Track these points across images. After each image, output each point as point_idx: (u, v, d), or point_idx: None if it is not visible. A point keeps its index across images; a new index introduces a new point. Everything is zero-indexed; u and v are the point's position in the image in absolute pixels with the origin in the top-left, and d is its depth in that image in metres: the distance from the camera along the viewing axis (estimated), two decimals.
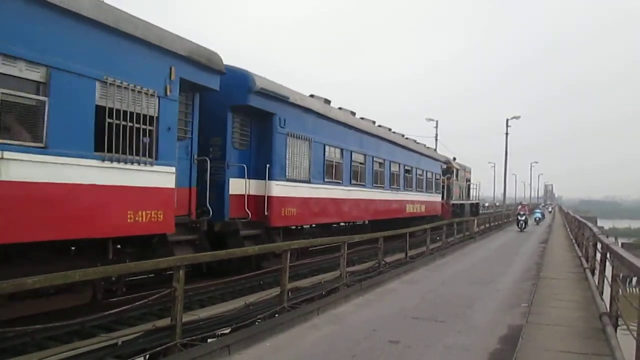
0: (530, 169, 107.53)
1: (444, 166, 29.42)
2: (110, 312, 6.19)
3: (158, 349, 6.18)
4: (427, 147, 27.47)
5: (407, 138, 23.09)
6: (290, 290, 8.91)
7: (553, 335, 7.47)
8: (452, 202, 30.34)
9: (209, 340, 7.10)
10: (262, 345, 6.97)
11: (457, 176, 32.05)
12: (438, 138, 48.89)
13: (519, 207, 36.92)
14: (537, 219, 44.51)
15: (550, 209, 79.37)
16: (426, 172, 24.84)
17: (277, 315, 8.28)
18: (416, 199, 23.08)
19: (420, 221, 21.91)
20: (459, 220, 25.69)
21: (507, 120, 52.69)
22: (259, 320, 8.00)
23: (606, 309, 8.37)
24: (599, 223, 45.72)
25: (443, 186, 29.04)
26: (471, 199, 37.34)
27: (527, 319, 8.31)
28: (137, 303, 6.27)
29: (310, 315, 8.56)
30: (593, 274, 12.37)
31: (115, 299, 7.34)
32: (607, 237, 13.42)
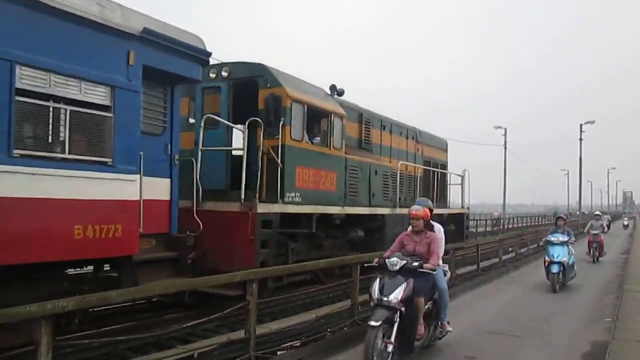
0: (607, 176, 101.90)
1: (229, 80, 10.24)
2: (187, 325, 6.38)
3: None
4: None
5: None
6: (361, 304, 8.82)
7: None
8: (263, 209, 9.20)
9: (279, 353, 7.12)
10: (335, 359, 6.93)
11: (342, 135, 11.42)
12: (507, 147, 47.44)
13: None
14: (556, 274, 12.39)
15: (626, 221, 48.04)
16: None
17: (345, 328, 8.22)
18: None
19: None
20: None
21: (581, 126, 50.97)
22: (329, 334, 7.97)
23: None
24: None
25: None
26: (446, 203, 18.49)
27: (613, 335, 7.80)
28: (212, 316, 6.42)
29: None
30: None
31: (189, 312, 7.52)
32: None
